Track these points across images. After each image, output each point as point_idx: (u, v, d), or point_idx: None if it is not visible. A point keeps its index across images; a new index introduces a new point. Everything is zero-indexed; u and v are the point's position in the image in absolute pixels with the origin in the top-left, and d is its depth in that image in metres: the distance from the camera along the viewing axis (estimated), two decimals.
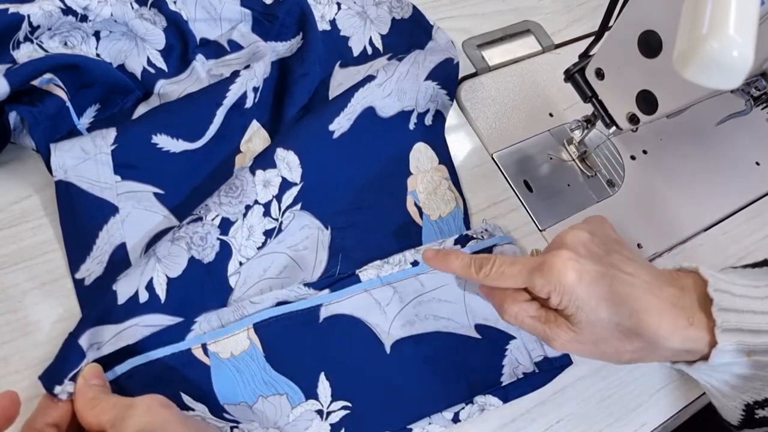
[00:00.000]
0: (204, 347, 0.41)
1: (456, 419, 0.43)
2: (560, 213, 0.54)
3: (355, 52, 0.58)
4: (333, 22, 0.59)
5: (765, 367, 0.39)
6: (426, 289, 0.46)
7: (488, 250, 0.48)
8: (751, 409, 0.41)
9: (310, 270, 0.47)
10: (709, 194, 0.57)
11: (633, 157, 0.58)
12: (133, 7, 0.52)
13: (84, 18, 0.49)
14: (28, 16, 0.46)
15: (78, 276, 0.42)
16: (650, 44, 0.40)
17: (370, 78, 0.52)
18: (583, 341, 0.38)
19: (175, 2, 0.53)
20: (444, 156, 0.54)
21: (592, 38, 0.47)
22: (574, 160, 0.57)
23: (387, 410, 0.42)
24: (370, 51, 0.59)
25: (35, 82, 0.45)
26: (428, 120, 0.55)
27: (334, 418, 0.41)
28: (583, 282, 0.37)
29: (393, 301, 0.45)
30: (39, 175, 0.45)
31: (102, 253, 0.43)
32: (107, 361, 0.38)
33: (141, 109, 0.50)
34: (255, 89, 0.51)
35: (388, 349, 0.44)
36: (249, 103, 0.51)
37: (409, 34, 0.60)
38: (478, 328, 0.46)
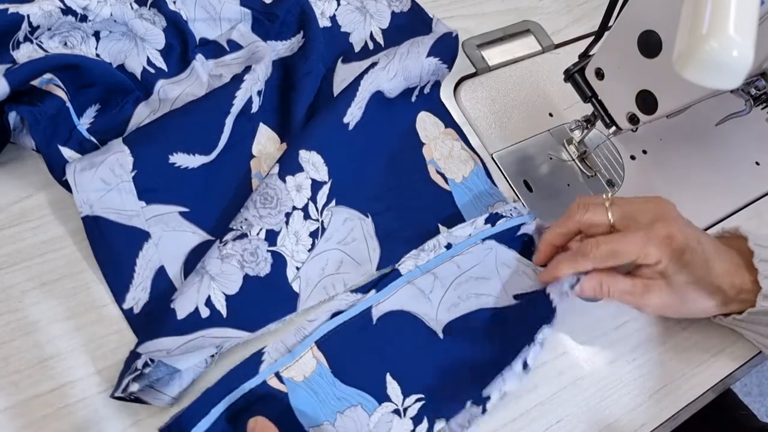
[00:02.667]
0: (278, 375, 0.41)
1: (525, 366, 0.43)
2: (560, 213, 0.53)
3: (357, 48, 0.59)
4: (333, 18, 0.59)
5: None
6: (462, 270, 0.47)
7: (517, 228, 0.49)
8: None
9: (367, 259, 0.47)
10: (708, 194, 0.57)
11: (633, 157, 0.58)
12: (132, 7, 0.52)
13: (84, 18, 0.49)
14: (28, 16, 0.46)
15: (126, 306, 0.42)
16: (650, 44, 0.40)
17: (372, 65, 0.52)
18: (674, 302, 0.42)
19: (174, 2, 0.53)
20: (447, 119, 0.56)
21: (592, 38, 0.47)
22: (574, 160, 0.57)
23: (458, 388, 0.43)
24: (371, 46, 0.59)
25: (35, 82, 0.45)
26: (426, 89, 0.56)
27: (412, 412, 0.42)
28: (687, 248, 0.41)
29: (435, 287, 0.46)
30: (39, 175, 0.45)
31: (143, 279, 0.43)
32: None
33: (141, 110, 0.50)
34: (259, 93, 0.51)
35: (441, 335, 0.45)
36: (255, 108, 0.51)
37: (409, 27, 0.60)
38: (517, 297, 0.47)
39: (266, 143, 0.51)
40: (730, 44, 0.26)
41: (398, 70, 0.53)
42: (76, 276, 0.43)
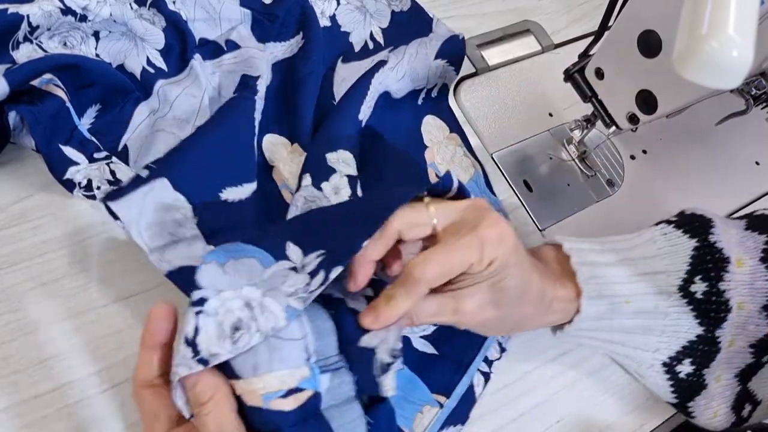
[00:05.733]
0: None
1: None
2: (560, 213, 0.54)
3: (357, 47, 0.59)
4: (333, 18, 0.59)
5: (649, 314, 0.41)
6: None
7: None
8: (672, 370, 0.43)
9: None
10: (708, 194, 0.57)
11: (633, 157, 0.58)
12: (132, 7, 0.52)
13: (83, 18, 0.49)
14: (28, 16, 0.46)
15: None
16: (650, 44, 0.40)
17: (381, 63, 0.52)
18: (491, 306, 0.37)
19: (174, 2, 0.53)
20: (453, 124, 0.56)
21: (591, 38, 0.47)
22: (573, 159, 0.57)
23: (353, 234, 0.37)
24: (371, 45, 0.59)
25: (35, 83, 0.45)
26: (434, 93, 0.56)
27: (310, 268, 0.36)
28: (518, 247, 0.37)
29: None
30: (39, 175, 0.45)
31: None
32: None
33: (141, 110, 0.50)
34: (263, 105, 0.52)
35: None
36: (258, 117, 0.52)
37: (409, 26, 0.60)
38: None
39: (279, 149, 0.51)
40: (730, 44, 0.26)
41: (406, 71, 0.53)
42: (76, 276, 0.43)
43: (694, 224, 0.43)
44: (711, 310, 0.41)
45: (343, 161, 0.48)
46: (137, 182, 0.41)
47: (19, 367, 0.40)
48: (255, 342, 0.32)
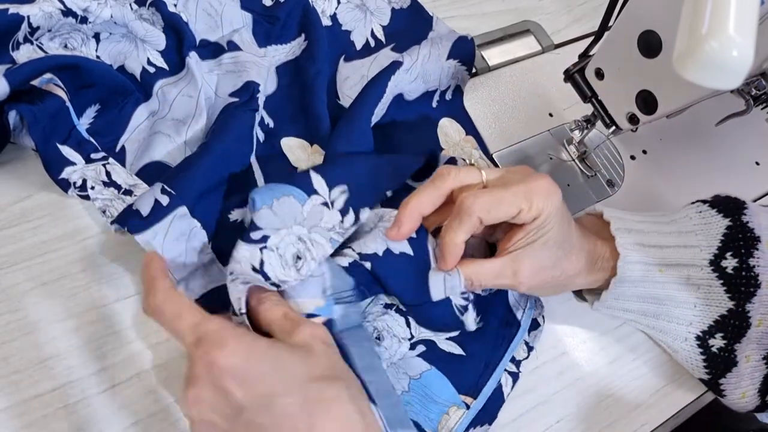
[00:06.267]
0: None
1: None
2: None
3: (358, 46, 0.59)
4: (334, 17, 0.59)
5: (681, 285, 0.44)
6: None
7: None
8: (705, 343, 0.44)
9: None
10: (708, 194, 0.57)
11: (633, 157, 0.58)
12: (132, 9, 0.52)
13: (84, 20, 0.49)
14: (28, 17, 0.46)
15: None
16: (650, 44, 0.40)
17: (397, 64, 0.52)
18: (547, 264, 0.40)
19: (175, 5, 0.54)
20: (469, 127, 0.56)
21: (591, 38, 0.47)
22: (573, 160, 0.57)
23: (379, 177, 0.45)
24: (372, 43, 0.59)
25: (35, 82, 0.45)
26: (448, 95, 0.57)
27: (339, 204, 0.42)
28: (563, 204, 0.40)
29: None
30: (39, 175, 0.45)
31: None
32: None
33: (141, 111, 0.50)
34: (267, 111, 0.52)
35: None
36: (271, 124, 0.52)
37: (409, 23, 0.60)
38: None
39: (298, 152, 0.51)
40: (730, 44, 0.26)
41: (419, 73, 0.53)
42: (76, 276, 0.43)
43: (728, 205, 0.45)
44: (741, 284, 0.43)
45: None
46: (159, 212, 0.41)
47: (19, 367, 0.40)
48: (313, 268, 0.39)
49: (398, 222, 0.39)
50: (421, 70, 0.53)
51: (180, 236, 0.42)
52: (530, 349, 0.46)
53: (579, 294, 0.49)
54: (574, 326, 0.48)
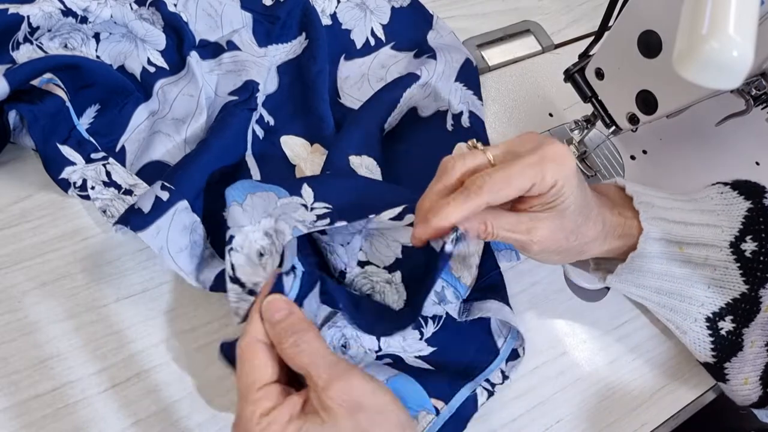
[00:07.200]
0: None
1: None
2: None
3: (358, 45, 0.59)
4: (334, 16, 0.59)
5: (698, 265, 0.43)
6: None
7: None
8: (714, 325, 0.44)
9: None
10: None
11: (633, 157, 0.58)
12: (132, 8, 0.52)
13: (84, 20, 0.49)
14: (28, 17, 0.46)
15: None
16: (650, 44, 0.40)
17: (414, 77, 0.52)
18: (562, 231, 0.38)
19: (175, 4, 0.54)
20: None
21: (592, 38, 0.47)
22: None
23: (363, 207, 0.41)
24: (372, 42, 0.59)
25: (35, 82, 0.45)
26: (465, 122, 0.55)
27: (318, 211, 0.41)
28: (577, 169, 0.38)
29: None
30: (39, 175, 0.45)
31: None
32: None
33: (141, 111, 0.50)
34: (259, 120, 0.52)
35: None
36: (272, 122, 0.52)
37: (409, 22, 0.60)
38: None
39: (298, 150, 0.51)
40: (730, 44, 0.26)
41: (432, 91, 0.54)
42: (76, 276, 0.43)
43: (749, 188, 0.45)
44: (758, 269, 0.42)
45: (366, 167, 0.48)
46: (160, 207, 0.41)
47: (19, 367, 0.40)
48: (277, 263, 0.37)
49: (418, 224, 0.36)
50: (433, 88, 0.53)
51: (183, 229, 0.42)
52: (505, 378, 0.44)
53: (594, 264, 0.48)
54: (574, 326, 0.48)
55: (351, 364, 0.32)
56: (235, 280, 0.37)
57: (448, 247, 0.35)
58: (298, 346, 0.32)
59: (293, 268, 0.37)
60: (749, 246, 0.42)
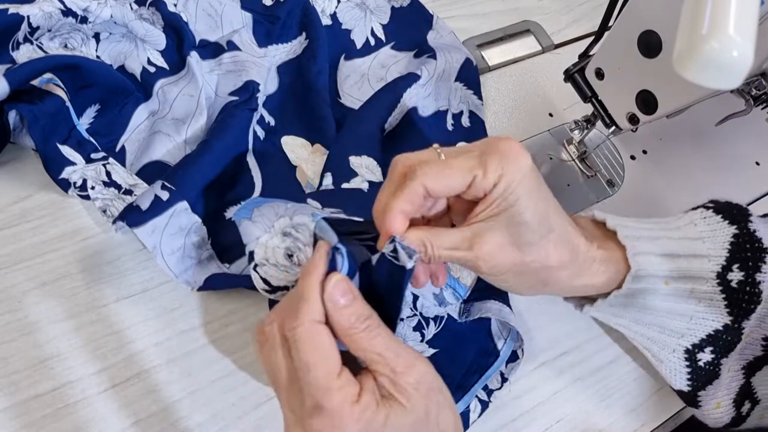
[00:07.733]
0: None
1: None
2: None
3: (358, 45, 0.59)
4: (334, 16, 0.59)
5: (682, 298, 0.41)
6: None
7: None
8: (693, 357, 0.42)
9: None
10: (708, 194, 0.57)
11: (633, 157, 0.58)
12: (132, 8, 0.52)
13: (84, 20, 0.49)
14: (28, 17, 0.46)
15: None
16: (650, 44, 0.40)
17: (415, 77, 0.52)
18: (517, 242, 0.33)
19: (175, 4, 0.54)
20: None
21: (592, 38, 0.47)
22: (573, 160, 0.57)
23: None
24: (372, 42, 0.59)
25: (35, 82, 0.45)
26: (465, 122, 0.56)
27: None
28: (535, 169, 0.33)
29: None
30: (39, 175, 0.45)
31: None
32: None
33: (141, 111, 0.50)
34: (260, 121, 0.52)
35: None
36: (272, 122, 0.52)
37: (409, 22, 0.61)
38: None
39: (299, 151, 0.51)
40: (730, 44, 0.26)
41: (432, 91, 0.54)
42: (76, 276, 0.43)
43: (732, 211, 0.43)
44: (743, 300, 0.41)
45: (366, 167, 0.48)
46: (159, 206, 0.41)
47: (19, 367, 0.40)
48: (310, 253, 0.35)
49: (383, 234, 0.33)
50: (433, 88, 0.54)
51: (179, 231, 0.42)
52: (504, 380, 0.44)
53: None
54: (573, 326, 0.48)
55: (412, 348, 0.32)
56: (274, 290, 0.37)
57: (408, 263, 0.31)
58: (371, 331, 0.30)
59: (336, 247, 0.32)
60: (735, 276, 0.41)
